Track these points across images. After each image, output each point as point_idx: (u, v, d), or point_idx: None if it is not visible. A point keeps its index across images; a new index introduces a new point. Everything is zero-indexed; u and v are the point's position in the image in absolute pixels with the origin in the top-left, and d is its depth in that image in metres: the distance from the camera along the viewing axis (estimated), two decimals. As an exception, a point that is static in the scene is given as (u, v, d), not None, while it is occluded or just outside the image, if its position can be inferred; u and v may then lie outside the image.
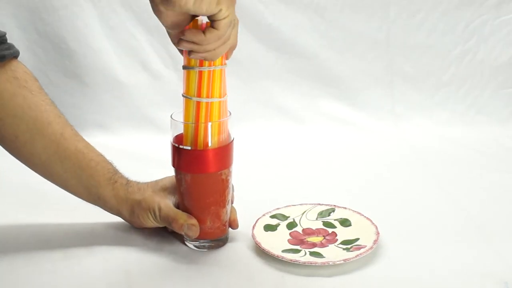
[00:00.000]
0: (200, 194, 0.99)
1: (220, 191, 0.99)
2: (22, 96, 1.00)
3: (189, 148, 0.96)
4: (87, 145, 1.04)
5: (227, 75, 0.96)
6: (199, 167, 0.97)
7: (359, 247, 0.99)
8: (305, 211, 1.09)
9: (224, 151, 0.98)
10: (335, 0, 1.44)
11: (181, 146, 0.97)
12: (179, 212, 1.00)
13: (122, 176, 1.05)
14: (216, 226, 1.01)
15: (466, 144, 1.39)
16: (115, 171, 1.05)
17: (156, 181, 1.05)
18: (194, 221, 0.99)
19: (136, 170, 1.19)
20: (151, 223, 1.02)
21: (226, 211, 1.02)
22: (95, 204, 1.05)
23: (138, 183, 1.05)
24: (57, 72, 1.41)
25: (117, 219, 1.06)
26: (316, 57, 1.47)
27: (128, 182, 1.04)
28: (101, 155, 1.05)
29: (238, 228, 1.05)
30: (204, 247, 1.02)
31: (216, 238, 1.02)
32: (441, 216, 1.11)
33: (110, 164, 1.05)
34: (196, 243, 1.02)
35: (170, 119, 0.98)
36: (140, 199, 1.02)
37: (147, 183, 1.04)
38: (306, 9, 1.44)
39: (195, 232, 0.99)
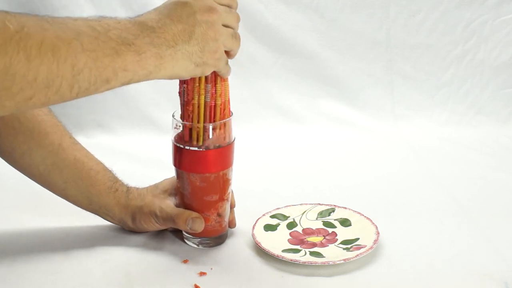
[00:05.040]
0: (204, 193, 0.99)
1: (223, 189, 0.99)
2: None
3: (195, 149, 0.96)
4: (87, 153, 1.03)
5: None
6: (203, 167, 0.97)
7: (359, 247, 0.99)
8: (305, 211, 1.09)
9: (228, 151, 0.98)
10: (335, 0, 1.44)
11: (185, 147, 0.97)
12: (181, 209, 1.00)
13: (122, 184, 1.04)
14: (218, 223, 1.01)
15: (466, 144, 1.39)
16: (116, 179, 1.04)
17: (156, 185, 1.04)
18: (197, 214, 0.99)
19: (136, 171, 1.19)
20: (154, 226, 1.02)
21: (228, 208, 1.02)
22: (96, 214, 1.04)
23: (138, 188, 1.04)
24: (57, 72, 1.40)
25: (117, 219, 1.06)
26: (316, 57, 1.47)
27: (128, 189, 1.04)
28: (101, 163, 1.04)
29: (238, 228, 1.05)
30: (205, 244, 1.02)
31: (217, 236, 1.02)
32: (441, 216, 1.11)
33: (110, 172, 1.04)
34: (197, 241, 1.02)
35: (172, 118, 0.98)
36: (142, 205, 1.02)
37: (146, 188, 1.04)
38: (306, 9, 1.44)
39: (200, 224, 0.98)
